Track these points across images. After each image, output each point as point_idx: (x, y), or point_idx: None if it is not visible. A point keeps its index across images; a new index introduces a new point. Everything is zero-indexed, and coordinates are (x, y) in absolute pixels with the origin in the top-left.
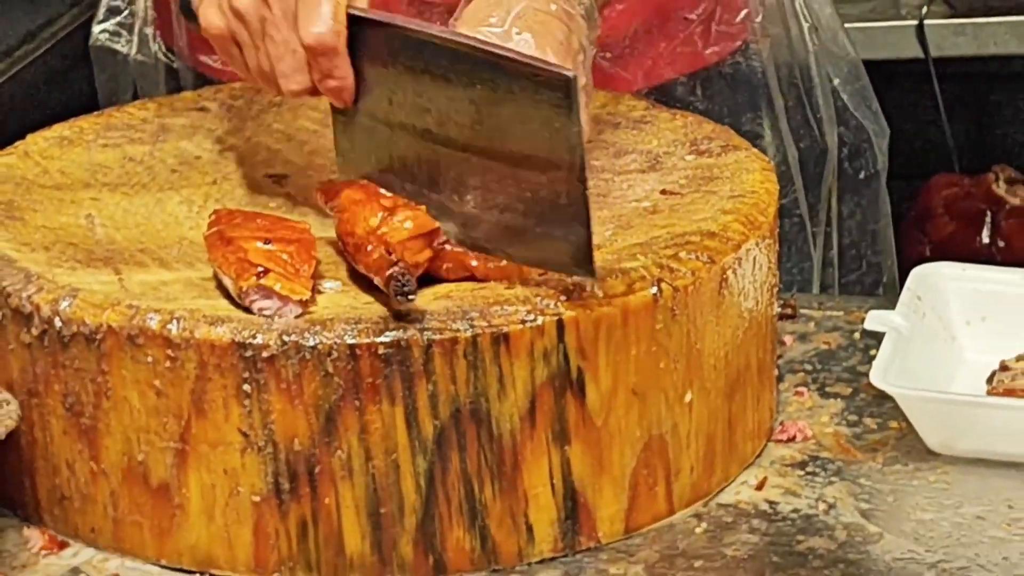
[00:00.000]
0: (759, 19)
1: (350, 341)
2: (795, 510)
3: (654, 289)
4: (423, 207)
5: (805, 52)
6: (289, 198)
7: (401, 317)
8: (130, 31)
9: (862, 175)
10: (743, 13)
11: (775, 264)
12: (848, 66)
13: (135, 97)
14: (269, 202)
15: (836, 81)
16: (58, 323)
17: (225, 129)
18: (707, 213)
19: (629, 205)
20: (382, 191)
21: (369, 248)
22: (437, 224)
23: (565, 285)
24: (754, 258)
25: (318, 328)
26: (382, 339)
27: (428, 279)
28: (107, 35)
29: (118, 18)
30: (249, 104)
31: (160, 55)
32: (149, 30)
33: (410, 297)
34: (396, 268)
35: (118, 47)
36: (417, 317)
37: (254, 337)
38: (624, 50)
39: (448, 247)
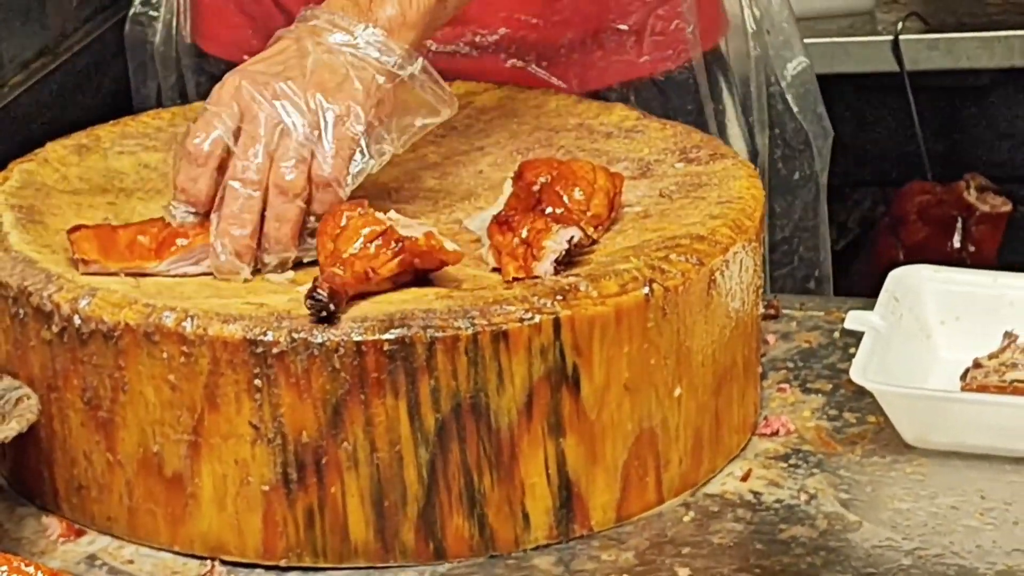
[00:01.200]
0: (691, 29)
1: (356, 338)
2: (778, 500)
3: (646, 289)
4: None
5: (746, 59)
6: None
7: (327, 321)
8: (158, 22)
9: (796, 175)
10: (674, 24)
11: (760, 266)
12: (797, 69)
13: (159, 87)
14: None
15: (783, 84)
16: (77, 321)
17: None
18: (696, 218)
19: (622, 210)
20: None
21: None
22: (386, 223)
23: (561, 286)
24: (740, 261)
25: (325, 326)
26: (387, 336)
27: (421, 280)
28: (139, 26)
29: (149, 10)
30: None
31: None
32: (173, 21)
33: (323, 314)
34: (314, 286)
35: (147, 37)
36: (338, 322)
37: (265, 334)
38: (560, 58)
39: (407, 240)
